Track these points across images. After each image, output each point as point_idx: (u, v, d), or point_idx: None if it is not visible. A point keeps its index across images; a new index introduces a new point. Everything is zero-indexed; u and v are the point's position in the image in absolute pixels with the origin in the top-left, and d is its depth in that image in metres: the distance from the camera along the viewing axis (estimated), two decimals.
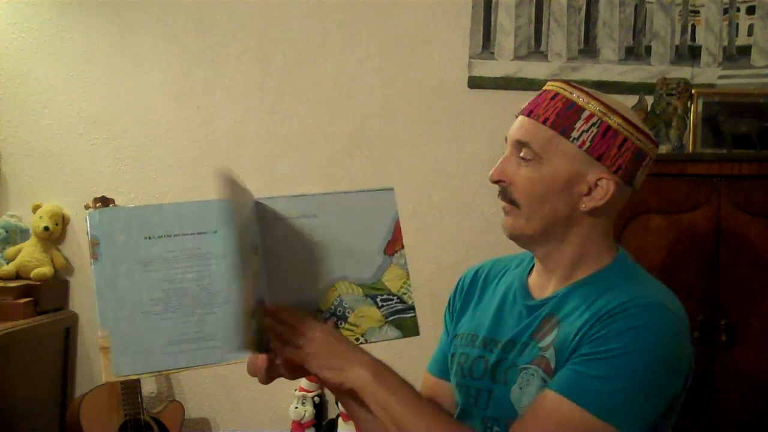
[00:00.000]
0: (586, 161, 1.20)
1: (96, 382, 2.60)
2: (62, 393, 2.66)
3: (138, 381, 2.41)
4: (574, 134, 1.19)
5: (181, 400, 2.64)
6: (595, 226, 1.24)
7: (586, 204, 1.21)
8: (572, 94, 1.22)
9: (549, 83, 1.28)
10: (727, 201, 2.04)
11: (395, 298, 1.22)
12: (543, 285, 1.29)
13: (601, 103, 1.21)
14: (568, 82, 1.25)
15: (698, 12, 2.54)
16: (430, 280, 2.65)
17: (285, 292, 1.18)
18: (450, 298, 1.44)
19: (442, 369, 1.41)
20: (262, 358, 1.15)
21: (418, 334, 1.21)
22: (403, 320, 1.21)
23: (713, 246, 2.04)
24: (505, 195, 1.25)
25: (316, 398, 2.56)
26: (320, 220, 1.21)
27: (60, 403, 2.64)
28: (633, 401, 1.09)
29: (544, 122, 1.21)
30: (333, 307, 1.19)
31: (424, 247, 2.64)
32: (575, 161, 1.20)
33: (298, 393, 2.57)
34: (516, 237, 1.26)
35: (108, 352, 1.11)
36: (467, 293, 1.41)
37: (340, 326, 1.19)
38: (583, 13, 2.60)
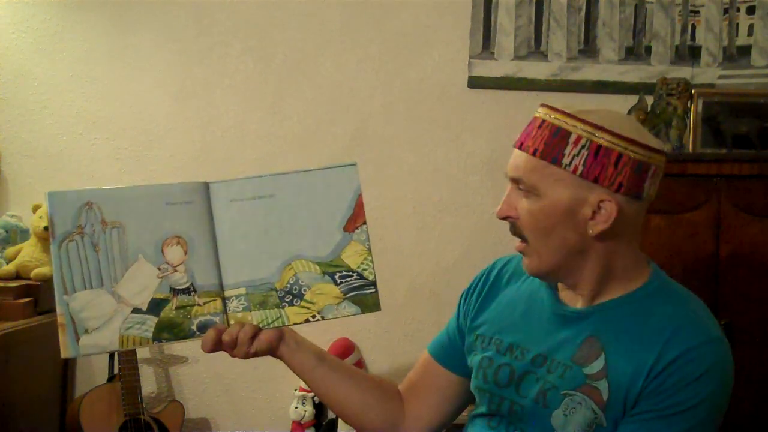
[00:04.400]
0: (583, 186, 1.17)
1: (96, 382, 2.59)
2: (62, 393, 2.65)
3: (138, 381, 2.41)
4: (565, 160, 1.16)
5: (181, 400, 2.64)
6: (614, 246, 1.21)
7: (592, 229, 1.18)
8: (557, 119, 1.18)
9: (538, 109, 1.24)
10: (727, 201, 2.04)
11: (355, 274, 1.21)
12: (571, 296, 1.27)
13: (587, 123, 1.16)
14: (553, 107, 1.21)
15: (698, 12, 2.55)
16: (430, 280, 2.65)
17: (238, 274, 1.19)
18: (472, 284, 1.42)
19: (440, 352, 1.42)
20: (210, 335, 1.18)
21: (379, 309, 1.22)
22: (362, 296, 1.21)
23: (713, 246, 2.04)
24: (515, 230, 1.23)
25: (316, 398, 2.55)
26: (277, 200, 1.21)
27: (60, 403, 2.63)
28: None
29: (534, 153, 1.18)
30: (288, 286, 1.20)
31: (424, 247, 2.63)
32: (572, 187, 1.17)
33: (298, 393, 2.57)
34: (535, 275, 1.26)
35: (65, 329, 1.17)
36: (492, 286, 1.39)
37: (296, 304, 1.20)
38: (583, 13, 2.60)
